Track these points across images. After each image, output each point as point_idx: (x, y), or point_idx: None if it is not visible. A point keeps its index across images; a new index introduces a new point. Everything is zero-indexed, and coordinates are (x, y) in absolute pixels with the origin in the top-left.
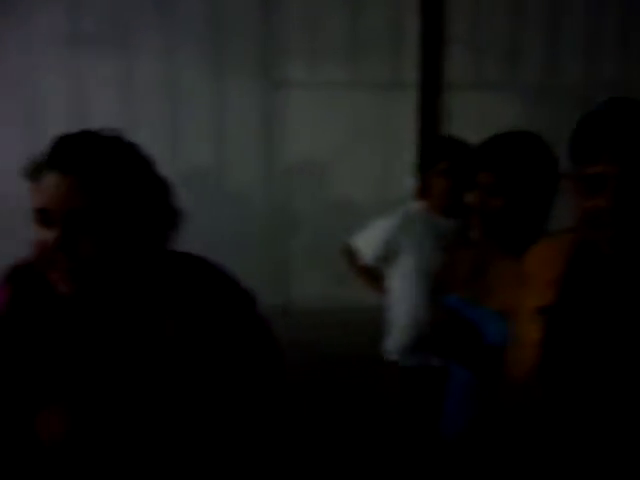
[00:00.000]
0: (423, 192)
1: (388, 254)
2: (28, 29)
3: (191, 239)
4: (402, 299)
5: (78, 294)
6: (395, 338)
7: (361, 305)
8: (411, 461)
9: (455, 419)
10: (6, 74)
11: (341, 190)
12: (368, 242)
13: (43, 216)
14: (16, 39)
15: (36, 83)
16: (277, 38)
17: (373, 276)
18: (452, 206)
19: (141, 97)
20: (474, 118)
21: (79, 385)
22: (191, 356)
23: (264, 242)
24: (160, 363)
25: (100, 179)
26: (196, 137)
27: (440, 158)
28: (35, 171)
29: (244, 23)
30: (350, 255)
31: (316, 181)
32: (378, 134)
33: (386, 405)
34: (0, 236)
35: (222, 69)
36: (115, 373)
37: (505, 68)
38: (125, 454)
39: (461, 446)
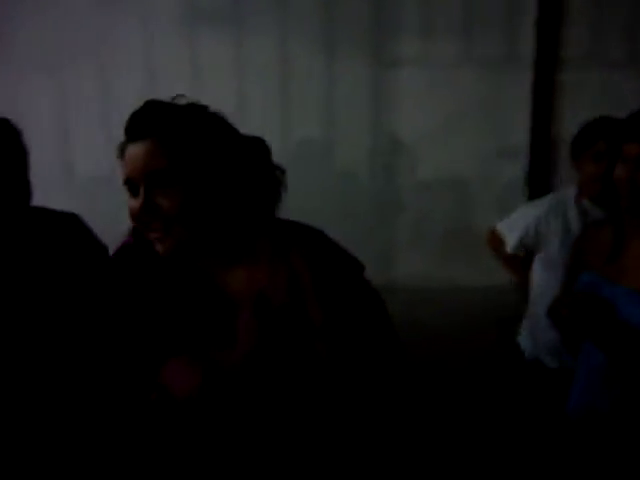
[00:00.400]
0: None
1: (533, 243)
2: (145, 7)
3: (298, 214)
4: (545, 293)
5: (173, 254)
6: (535, 335)
7: (464, 285)
8: (532, 442)
9: (584, 403)
10: (122, 51)
11: (448, 169)
12: (512, 229)
13: (129, 186)
14: (133, 17)
15: (152, 60)
16: (388, 15)
17: (517, 265)
18: (605, 193)
19: (253, 75)
20: (593, 96)
21: (204, 338)
22: (298, 316)
23: (369, 219)
24: (269, 318)
25: (171, 139)
26: (306, 115)
27: (596, 139)
28: (120, 149)
29: (355, 2)
30: (494, 241)
31: (423, 159)
32: (489, 112)
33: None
34: None
35: (333, 47)
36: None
37: (627, 43)
38: (253, 411)
39: (592, 428)
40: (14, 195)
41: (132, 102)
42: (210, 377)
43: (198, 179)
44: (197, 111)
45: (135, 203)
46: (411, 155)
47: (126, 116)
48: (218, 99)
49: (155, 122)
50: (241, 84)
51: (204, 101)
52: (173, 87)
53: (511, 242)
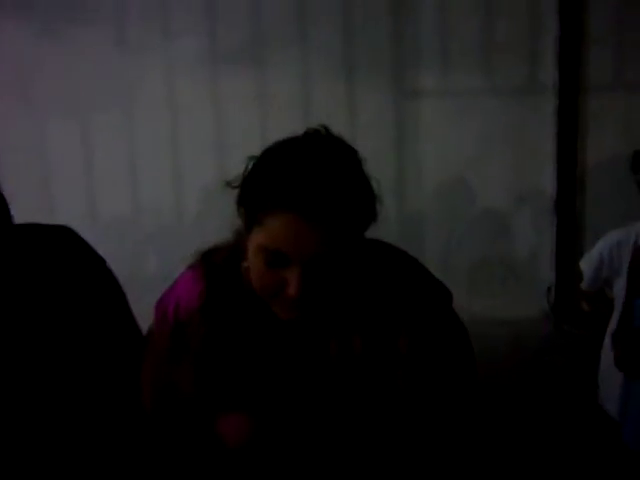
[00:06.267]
0: None
1: (606, 277)
2: (166, 50)
3: None
4: None
5: (302, 321)
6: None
7: (493, 317)
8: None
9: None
10: (145, 94)
11: (475, 200)
12: (586, 262)
13: (273, 257)
14: (158, 60)
15: (175, 101)
16: (408, 47)
17: (595, 304)
18: None
19: (275, 109)
20: (617, 123)
21: (265, 390)
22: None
23: None
24: (352, 369)
25: (344, 224)
26: None
27: None
28: (264, 207)
29: (375, 34)
30: (578, 277)
31: (449, 191)
32: (514, 141)
33: None
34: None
35: (353, 81)
36: (309, 379)
37: None
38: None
39: None
40: None
41: (156, 144)
42: (266, 426)
43: (351, 254)
44: (360, 177)
45: (273, 275)
46: (437, 187)
47: (150, 158)
48: (241, 134)
49: (329, 204)
50: (263, 119)
51: (229, 137)
52: (197, 126)
53: (585, 278)
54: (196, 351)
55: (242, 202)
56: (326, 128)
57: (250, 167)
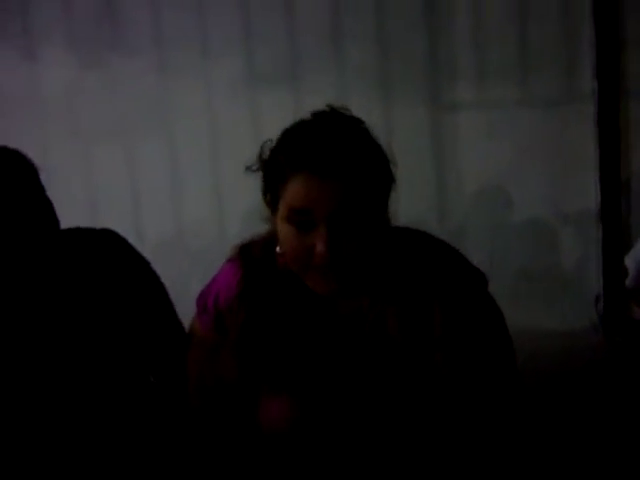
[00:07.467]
0: None
1: None
2: (205, 73)
3: None
4: None
5: (337, 293)
6: None
7: (540, 330)
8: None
9: None
10: (186, 116)
11: (517, 212)
12: (631, 257)
13: (299, 220)
14: (197, 82)
15: (215, 123)
16: (443, 61)
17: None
18: None
19: None
20: None
21: (307, 372)
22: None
23: None
24: (392, 350)
25: (357, 178)
26: None
27: None
28: (283, 178)
29: (409, 49)
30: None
31: (492, 203)
32: (555, 151)
33: None
34: None
35: (389, 97)
36: (347, 361)
37: None
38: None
39: None
40: (35, 219)
41: (198, 165)
42: (308, 407)
43: (374, 217)
44: (376, 143)
45: (302, 241)
46: (479, 199)
47: (193, 179)
48: None
49: (350, 163)
50: None
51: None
52: (237, 146)
53: (630, 275)
54: (236, 337)
55: (265, 185)
56: (331, 106)
57: (267, 151)
